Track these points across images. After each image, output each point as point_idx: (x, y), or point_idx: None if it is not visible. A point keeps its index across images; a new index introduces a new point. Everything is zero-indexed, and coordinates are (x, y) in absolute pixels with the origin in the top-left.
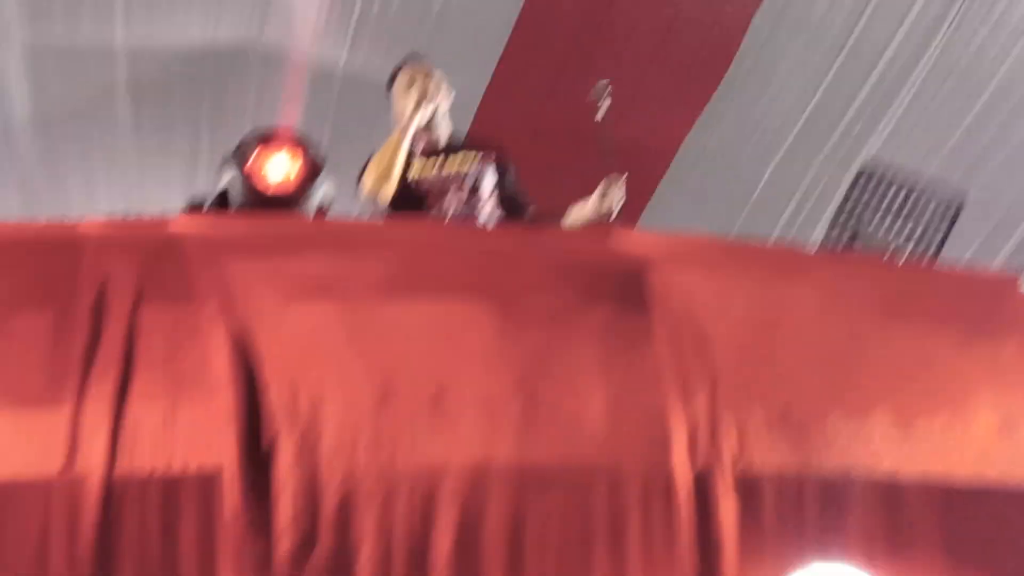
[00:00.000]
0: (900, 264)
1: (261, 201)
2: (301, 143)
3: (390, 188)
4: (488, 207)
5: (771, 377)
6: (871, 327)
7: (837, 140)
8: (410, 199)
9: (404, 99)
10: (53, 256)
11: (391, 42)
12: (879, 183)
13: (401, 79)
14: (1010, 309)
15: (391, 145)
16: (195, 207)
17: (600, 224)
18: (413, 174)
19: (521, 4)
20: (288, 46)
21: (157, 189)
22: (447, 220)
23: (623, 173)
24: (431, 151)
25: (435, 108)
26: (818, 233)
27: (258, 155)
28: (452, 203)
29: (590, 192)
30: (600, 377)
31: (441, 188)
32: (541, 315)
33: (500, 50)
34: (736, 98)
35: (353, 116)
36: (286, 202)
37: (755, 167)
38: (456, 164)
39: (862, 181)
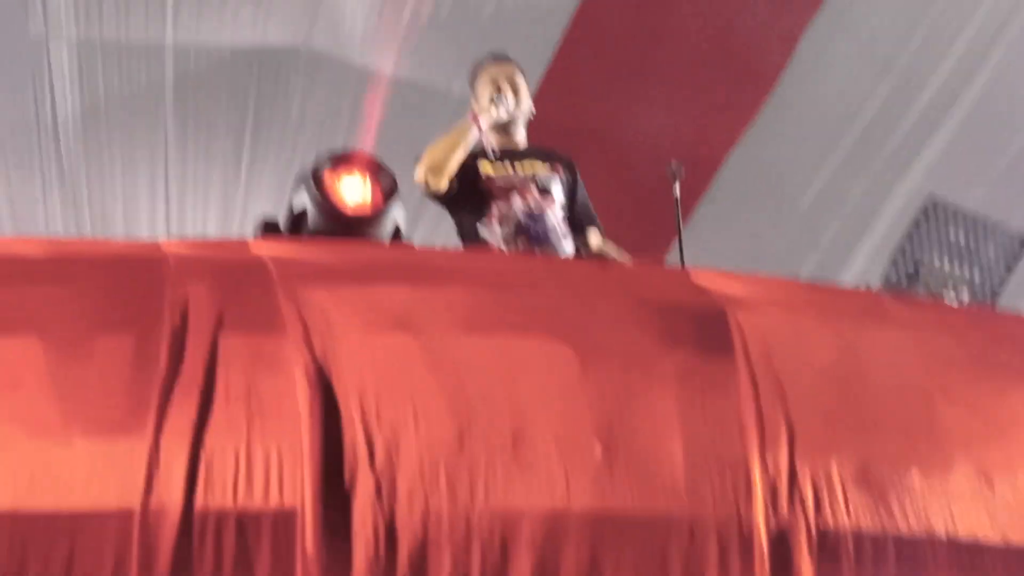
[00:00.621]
0: (983, 313)
1: (336, 224)
2: (376, 165)
3: (442, 181)
4: (556, 214)
5: (851, 430)
6: (954, 380)
7: (885, 159)
8: (476, 195)
9: (480, 95)
10: (136, 277)
11: (440, 48)
12: (942, 219)
13: (483, 75)
14: None
15: (451, 137)
16: (269, 227)
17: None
18: (484, 171)
19: (574, 10)
20: (351, 56)
21: (199, 188)
22: (513, 220)
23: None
24: (505, 152)
25: (512, 109)
26: (861, 253)
27: (333, 176)
28: (519, 204)
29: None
30: (679, 422)
31: (510, 188)
32: (620, 355)
33: (550, 56)
34: (785, 111)
35: (400, 121)
36: (361, 225)
37: (801, 182)
38: (529, 168)
39: (925, 216)
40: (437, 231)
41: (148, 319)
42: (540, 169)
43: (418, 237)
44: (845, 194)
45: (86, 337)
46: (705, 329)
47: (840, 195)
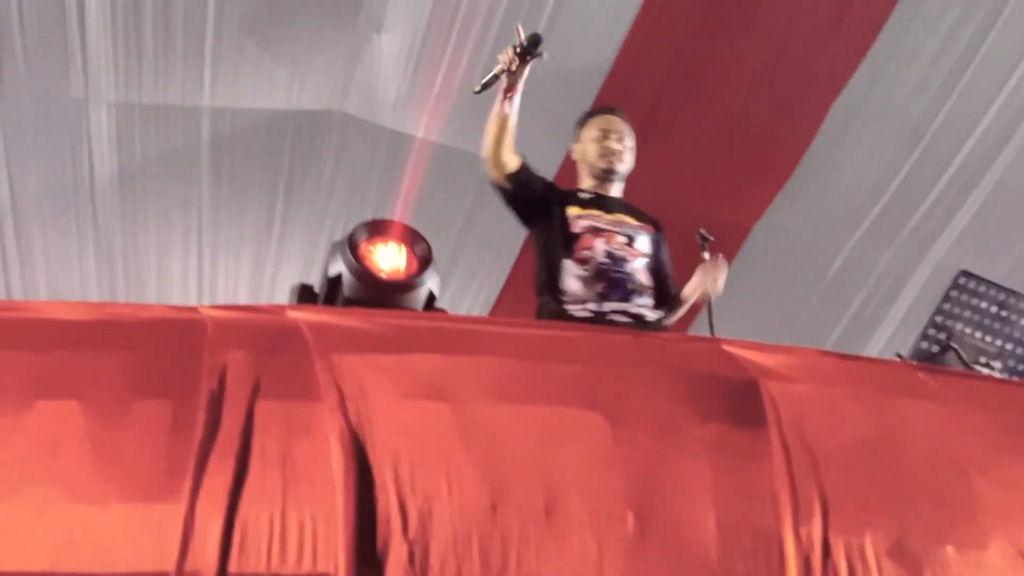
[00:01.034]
0: (1017, 388)
1: (371, 290)
2: (412, 233)
3: (502, 170)
4: (639, 264)
5: (884, 503)
6: (987, 455)
7: (910, 232)
8: (563, 234)
9: (586, 138)
10: (174, 342)
11: (472, 113)
12: (973, 292)
13: (595, 121)
14: None
15: (491, 126)
16: (305, 291)
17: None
18: (571, 213)
19: (605, 75)
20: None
21: (231, 248)
22: (595, 262)
23: (721, 255)
24: (598, 198)
25: (616, 163)
26: (887, 323)
27: (368, 244)
28: (602, 247)
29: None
30: (712, 494)
31: (596, 231)
32: (653, 426)
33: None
34: (813, 180)
35: (432, 184)
36: (395, 292)
37: (827, 251)
38: (618, 217)
39: (958, 288)
40: (464, 294)
41: (186, 385)
42: (629, 220)
43: (446, 300)
44: (872, 264)
45: (125, 402)
46: (737, 400)
47: (867, 265)
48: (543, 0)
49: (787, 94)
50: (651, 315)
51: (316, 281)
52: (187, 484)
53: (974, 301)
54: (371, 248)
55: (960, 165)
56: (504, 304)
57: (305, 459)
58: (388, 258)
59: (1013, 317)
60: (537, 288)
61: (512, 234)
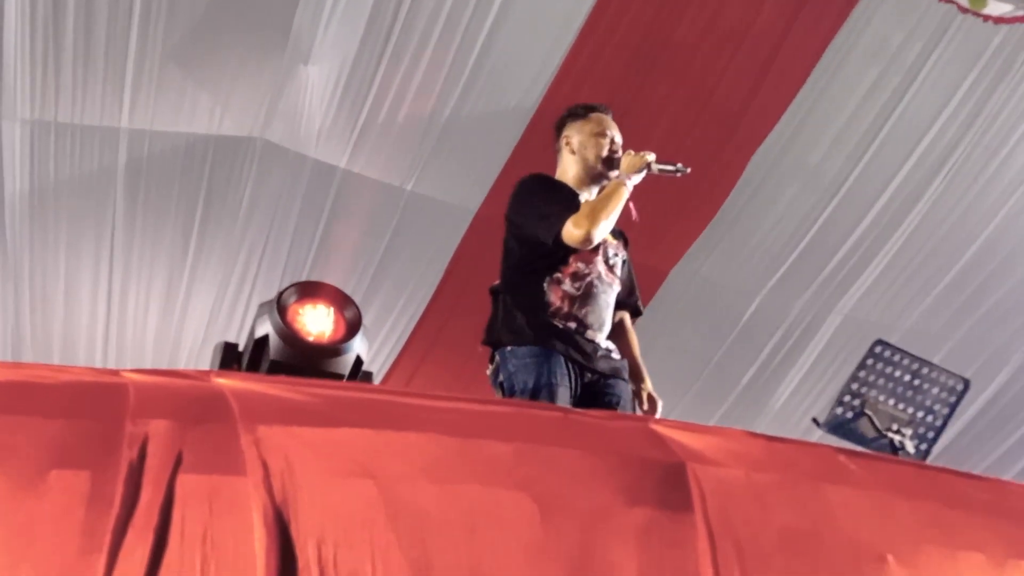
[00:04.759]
0: (937, 474)
1: (298, 353)
2: (342, 297)
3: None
4: (615, 286)
5: None
6: (906, 543)
7: (821, 282)
8: (558, 248)
9: (591, 143)
10: (94, 408)
11: (393, 148)
12: (888, 361)
13: (597, 117)
14: None
15: (615, 200)
16: (230, 350)
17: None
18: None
19: (530, 116)
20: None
21: (143, 274)
22: (586, 280)
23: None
24: None
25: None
26: (796, 370)
27: (297, 306)
28: (598, 268)
29: None
30: None
31: (595, 248)
32: (582, 510)
33: (504, 162)
34: (731, 229)
35: (348, 214)
36: (322, 355)
37: (742, 299)
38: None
39: (873, 357)
40: (382, 326)
41: (105, 455)
42: (612, 240)
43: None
44: (784, 312)
45: (41, 471)
46: (665, 485)
47: (780, 313)
48: (473, 39)
49: (709, 144)
50: (615, 355)
51: (235, 331)
52: (102, 560)
53: (888, 370)
54: (300, 310)
55: (871, 221)
56: (421, 335)
57: (226, 537)
58: (316, 321)
59: (925, 386)
60: (511, 301)
61: (434, 262)
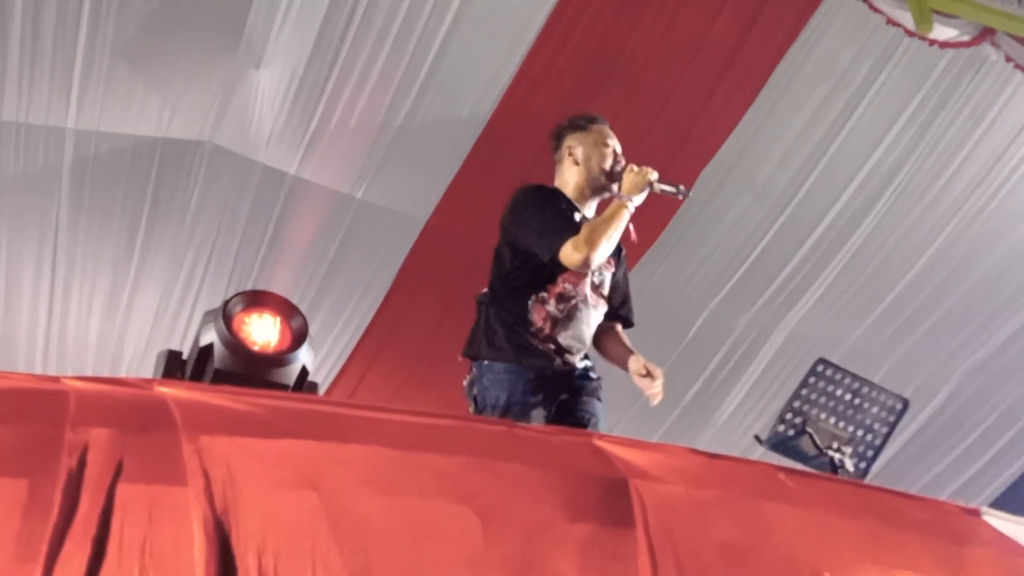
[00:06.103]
0: (874, 493)
1: (243, 363)
2: (289, 307)
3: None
4: (600, 307)
5: None
6: (844, 560)
7: (767, 298)
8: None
9: (595, 154)
10: (34, 415)
11: (343, 155)
12: (829, 379)
13: (599, 130)
14: (976, 547)
15: (617, 222)
16: (174, 359)
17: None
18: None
19: (484, 125)
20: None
21: (87, 274)
22: (573, 301)
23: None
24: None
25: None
26: (742, 384)
27: (243, 315)
28: (582, 295)
29: None
30: None
31: (581, 275)
32: (524, 524)
33: (456, 168)
34: (679, 243)
35: (296, 221)
36: (266, 364)
37: (689, 313)
38: None
39: (815, 375)
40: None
41: (44, 462)
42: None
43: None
44: (730, 327)
45: None
46: (607, 500)
47: (726, 328)
48: (427, 47)
49: (659, 157)
50: (592, 374)
51: (179, 337)
52: (38, 570)
53: (830, 388)
54: (246, 319)
55: (817, 238)
56: (367, 346)
57: (166, 546)
58: (262, 331)
59: (865, 405)
60: (494, 315)
61: (382, 272)
